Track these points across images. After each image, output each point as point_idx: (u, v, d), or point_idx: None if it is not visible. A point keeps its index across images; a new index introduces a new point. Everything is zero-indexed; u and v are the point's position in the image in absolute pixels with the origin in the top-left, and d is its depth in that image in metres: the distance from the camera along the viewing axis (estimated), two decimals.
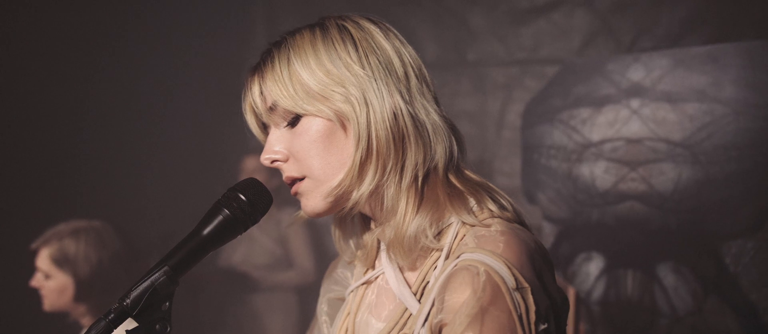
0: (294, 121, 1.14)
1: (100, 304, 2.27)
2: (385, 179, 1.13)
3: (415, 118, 1.13)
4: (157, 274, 1.02)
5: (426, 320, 1.07)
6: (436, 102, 1.18)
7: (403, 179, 1.13)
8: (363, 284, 1.27)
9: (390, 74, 1.14)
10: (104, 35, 3.49)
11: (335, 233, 1.30)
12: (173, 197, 3.56)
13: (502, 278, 1.00)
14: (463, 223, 1.12)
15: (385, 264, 1.20)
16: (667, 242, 2.61)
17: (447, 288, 1.03)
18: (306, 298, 4.03)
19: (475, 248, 1.05)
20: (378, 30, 1.17)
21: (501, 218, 1.13)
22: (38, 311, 2.33)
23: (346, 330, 1.25)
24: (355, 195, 1.13)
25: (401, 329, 1.12)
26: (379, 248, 1.26)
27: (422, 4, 3.64)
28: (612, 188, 2.70)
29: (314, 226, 3.96)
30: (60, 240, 2.25)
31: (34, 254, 2.27)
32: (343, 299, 1.35)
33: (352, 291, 1.29)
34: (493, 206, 1.14)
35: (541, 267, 1.07)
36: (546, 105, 2.87)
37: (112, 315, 0.99)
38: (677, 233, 2.58)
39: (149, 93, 3.62)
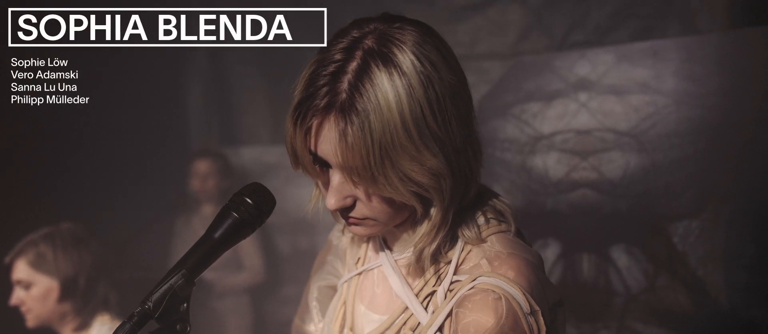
0: None
1: (84, 300, 2.28)
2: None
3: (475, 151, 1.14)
4: (175, 277, 1.06)
5: (438, 330, 1.12)
6: None
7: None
8: (357, 275, 1.30)
9: (465, 126, 1.09)
10: None
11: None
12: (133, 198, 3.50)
13: (519, 304, 1.06)
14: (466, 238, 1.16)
15: (383, 260, 1.24)
16: (618, 226, 2.74)
17: (465, 307, 1.08)
18: (259, 298, 4.03)
19: (491, 273, 1.10)
20: (443, 60, 1.10)
21: (502, 232, 1.18)
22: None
23: (343, 319, 1.28)
24: (430, 250, 1.14)
25: (402, 325, 1.17)
26: (373, 240, 1.29)
27: (359, 2, 3.67)
28: (564, 177, 2.81)
29: (262, 226, 3.96)
30: (35, 246, 2.24)
31: (8, 269, 2.26)
32: (333, 288, 1.38)
33: (345, 281, 1.32)
34: (493, 218, 1.19)
35: (545, 282, 1.14)
36: (498, 101, 2.97)
37: (136, 318, 1.03)
38: (628, 217, 2.72)
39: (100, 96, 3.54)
